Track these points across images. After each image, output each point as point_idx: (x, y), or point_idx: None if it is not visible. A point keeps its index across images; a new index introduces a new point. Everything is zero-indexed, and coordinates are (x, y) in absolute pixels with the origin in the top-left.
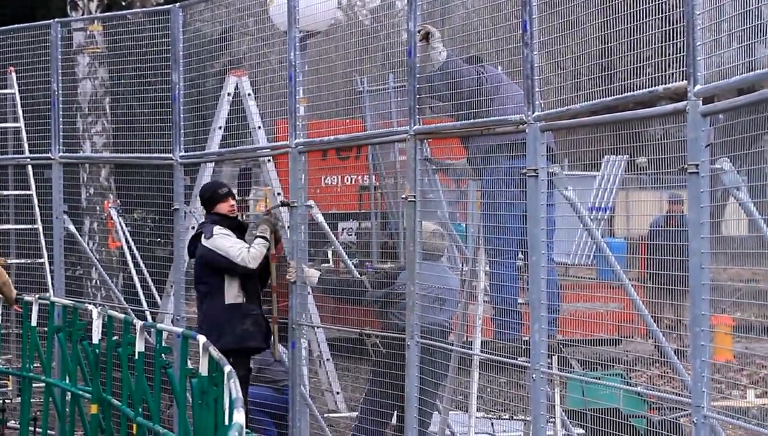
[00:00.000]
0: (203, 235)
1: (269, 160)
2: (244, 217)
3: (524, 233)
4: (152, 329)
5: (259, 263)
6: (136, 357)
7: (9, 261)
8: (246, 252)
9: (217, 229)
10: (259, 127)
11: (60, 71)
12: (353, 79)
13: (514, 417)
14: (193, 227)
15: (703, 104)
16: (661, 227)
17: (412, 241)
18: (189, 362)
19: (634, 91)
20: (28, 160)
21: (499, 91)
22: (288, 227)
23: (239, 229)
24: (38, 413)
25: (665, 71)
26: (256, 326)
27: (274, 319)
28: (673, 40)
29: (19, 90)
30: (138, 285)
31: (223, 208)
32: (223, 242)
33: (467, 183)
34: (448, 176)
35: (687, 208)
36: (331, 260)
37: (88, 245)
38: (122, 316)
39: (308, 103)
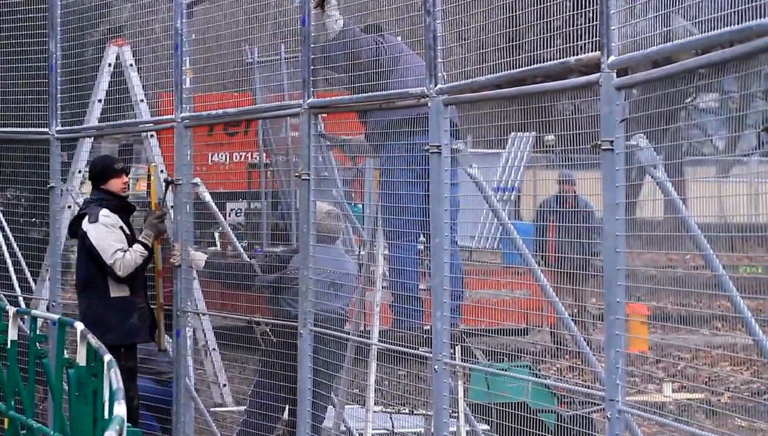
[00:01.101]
0: (87, 217)
1: (152, 136)
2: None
3: (426, 213)
4: (26, 316)
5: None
6: (9, 346)
7: None
8: (120, 258)
9: (103, 214)
10: (142, 101)
11: None
12: (243, 49)
13: (415, 411)
14: (69, 207)
15: (617, 77)
16: (552, 209)
17: (305, 222)
18: (66, 352)
19: (543, 63)
20: None
21: (399, 63)
22: (172, 207)
23: (126, 210)
24: None
25: (577, 42)
26: (142, 320)
27: (159, 306)
28: (585, 8)
29: None
30: (11, 269)
31: (115, 184)
32: (103, 236)
33: (365, 160)
34: (344, 153)
35: (599, 187)
36: (218, 243)
37: None
38: None
39: (195, 74)
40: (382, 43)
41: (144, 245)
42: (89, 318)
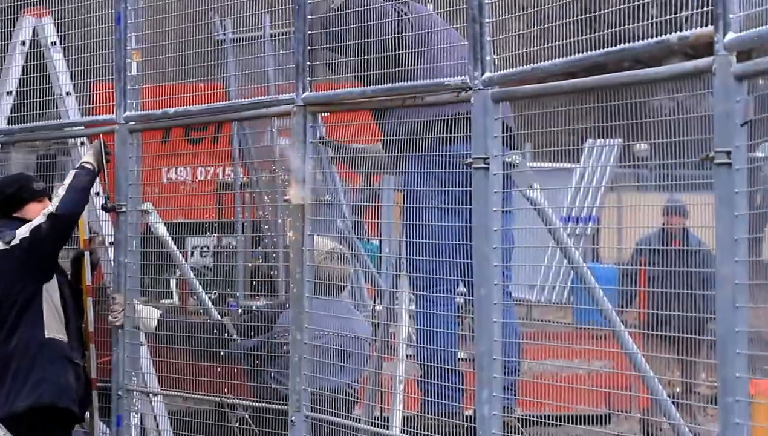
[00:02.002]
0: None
1: (83, 144)
2: None
3: (467, 253)
4: None
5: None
6: None
7: None
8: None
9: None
10: (69, 94)
11: None
12: (211, 22)
13: None
14: None
15: (737, 62)
16: (652, 247)
17: (298, 266)
18: None
19: (632, 41)
20: None
21: (430, 42)
22: (111, 244)
23: None
24: None
25: (680, 12)
26: (79, 384)
27: (92, 383)
28: None
29: None
30: None
31: (34, 211)
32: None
33: (382, 179)
34: (353, 169)
35: (711, 216)
36: (175, 294)
37: None
38: None
39: (144, 58)
40: (406, 13)
41: (86, 166)
42: (15, 360)
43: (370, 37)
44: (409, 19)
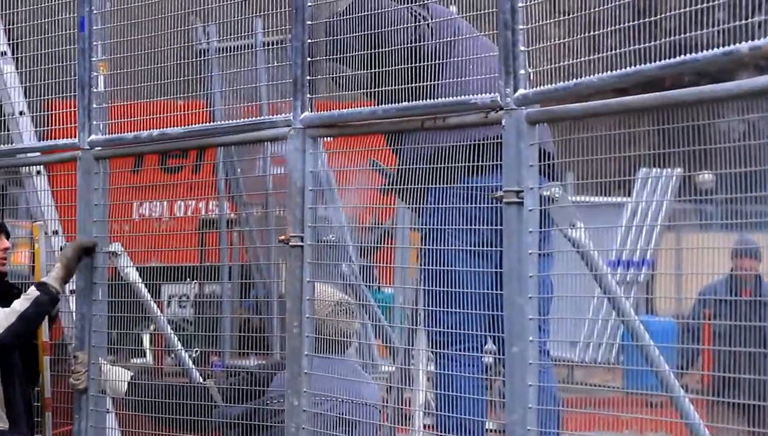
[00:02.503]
0: None
1: (39, 173)
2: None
3: (497, 304)
4: None
5: (24, 350)
6: None
7: None
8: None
9: None
10: (22, 113)
11: None
12: (191, 28)
13: None
14: None
15: None
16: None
17: (296, 318)
18: None
19: (694, 52)
20: None
21: (454, 51)
22: (72, 292)
23: (5, 295)
24: None
25: (751, 17)
26: None
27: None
28: None
29: None
30: None
31: None
32: None
33: (395, 215)
34: (408, 203)
35: None
36: (149, 352)
37: None
38: None
39: (112, 71)
40: (425, 17)
41: (43, 289)
42: None
43: (382, 46)
44: (428, 24)
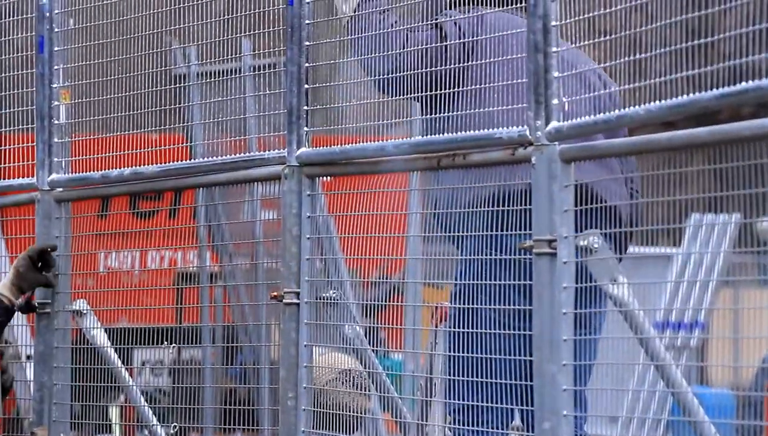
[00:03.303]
0: None
1: None
2: None
3: (525, 372)
4: None
5: None
6: None
7: None
8: None
9: None
10: None
11: None
12: (168, 49)
13: None
14: None
15: None
16: None
17: (291, 390)
18: None
19: (756, 78)
20: None
21: (488, 76)
22: (29, 358)
23: None
24: None
25: None
26: None
27: None
28: None
29: None
30: None
31: None
32: None
33: (404, 267)
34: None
35: None
36: (118, 427)
37: None
38: None
39: (76, 100)
40: (446, 35)
41: None
42: None
43: (394, 71)
44: (447, 47)
